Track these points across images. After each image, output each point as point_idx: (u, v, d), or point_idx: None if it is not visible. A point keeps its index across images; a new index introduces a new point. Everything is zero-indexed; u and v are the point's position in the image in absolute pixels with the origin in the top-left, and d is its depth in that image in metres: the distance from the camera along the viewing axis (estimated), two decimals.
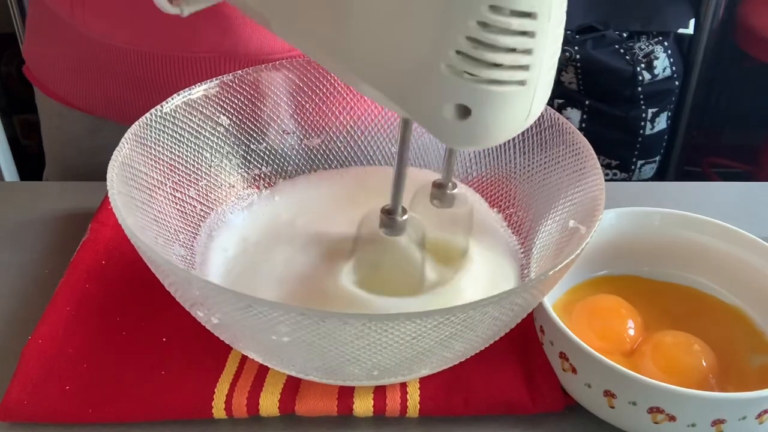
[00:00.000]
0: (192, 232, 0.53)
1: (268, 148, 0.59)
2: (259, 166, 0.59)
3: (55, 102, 0.76)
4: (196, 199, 0.54)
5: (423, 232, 0.47)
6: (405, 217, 0.45)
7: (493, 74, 0.34)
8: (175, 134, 0.52)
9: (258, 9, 0.42)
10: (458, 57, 0.34)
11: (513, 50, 0.34)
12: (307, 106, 0.59)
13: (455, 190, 0.49)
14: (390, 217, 0.45)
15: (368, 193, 0.56)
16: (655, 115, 1.63)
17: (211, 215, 0.55)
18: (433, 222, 0.49)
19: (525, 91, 0.36)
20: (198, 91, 0.53)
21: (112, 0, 0.64)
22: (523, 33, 0.34)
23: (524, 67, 0.35)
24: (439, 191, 0.49)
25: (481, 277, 0.50)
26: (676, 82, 1.63)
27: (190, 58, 0.66)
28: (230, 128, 0.56)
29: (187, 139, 0.53)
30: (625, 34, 1.62)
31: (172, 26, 0.64)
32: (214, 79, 0.54)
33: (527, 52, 0.34)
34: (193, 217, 0.54)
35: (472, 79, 0.35)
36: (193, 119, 0.54)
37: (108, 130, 0.74)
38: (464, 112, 0.36)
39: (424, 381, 0.48)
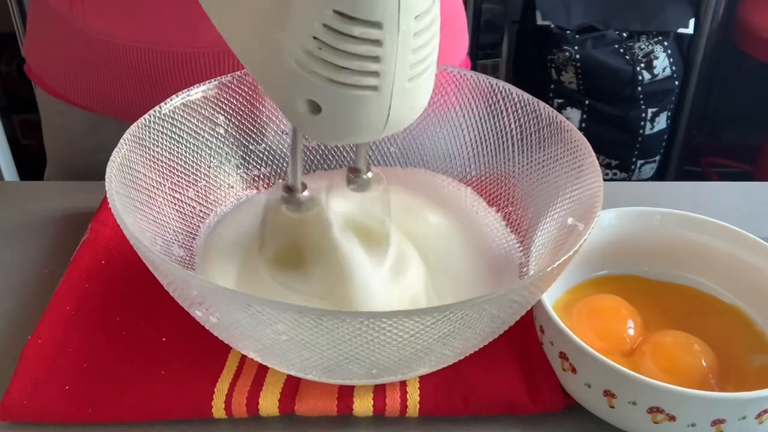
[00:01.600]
0: (191, 233, 0.53)
1: (267, 148, 0.59)
2: (258, 166, 0.59)
3: (56, 100, 0.76)
4: (195, 200, 0.54)
5: (323, 206, 0.48)
6: (306, 193, 0.46)
7: (339, 76, 0.35)
8: (174, 135, 0.52)
9: None
10: (306, 55, 0.35)
11: (359, 56, 0.35)
12: None
13: (369, 174, 0.50)
14: (291, 194, 0.46)
15: None
16: (655, 114, 1.63)
17: (210, 216, 0.55)
18: (352, 207, 0.50)
19: (378, 96, 0.36)
20: (197, 92, 0.53)
21: None
22: (369, 41, 0.34)
23: (373, 74, 0.35)
24: (355, 176, 0.50)
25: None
26: (676, 82, 1.63)
27: (190, 54, 0.66)
28: (229, 129, 0.56)
29: (186, 140, 0.53)
30: (624, 34, 1.62)
31: (171, 22, 0.64)
32: (212, 80, 0.54)
33: (375, 59, 0.35)
34: (192, 217, 0.54)
35: (319, 78, 0.35)
36: (192, 120, 0.54)
37: (108, 128, 0.74)
38: (315, 107, 0.37)
39: (423, 380, 0.48)
